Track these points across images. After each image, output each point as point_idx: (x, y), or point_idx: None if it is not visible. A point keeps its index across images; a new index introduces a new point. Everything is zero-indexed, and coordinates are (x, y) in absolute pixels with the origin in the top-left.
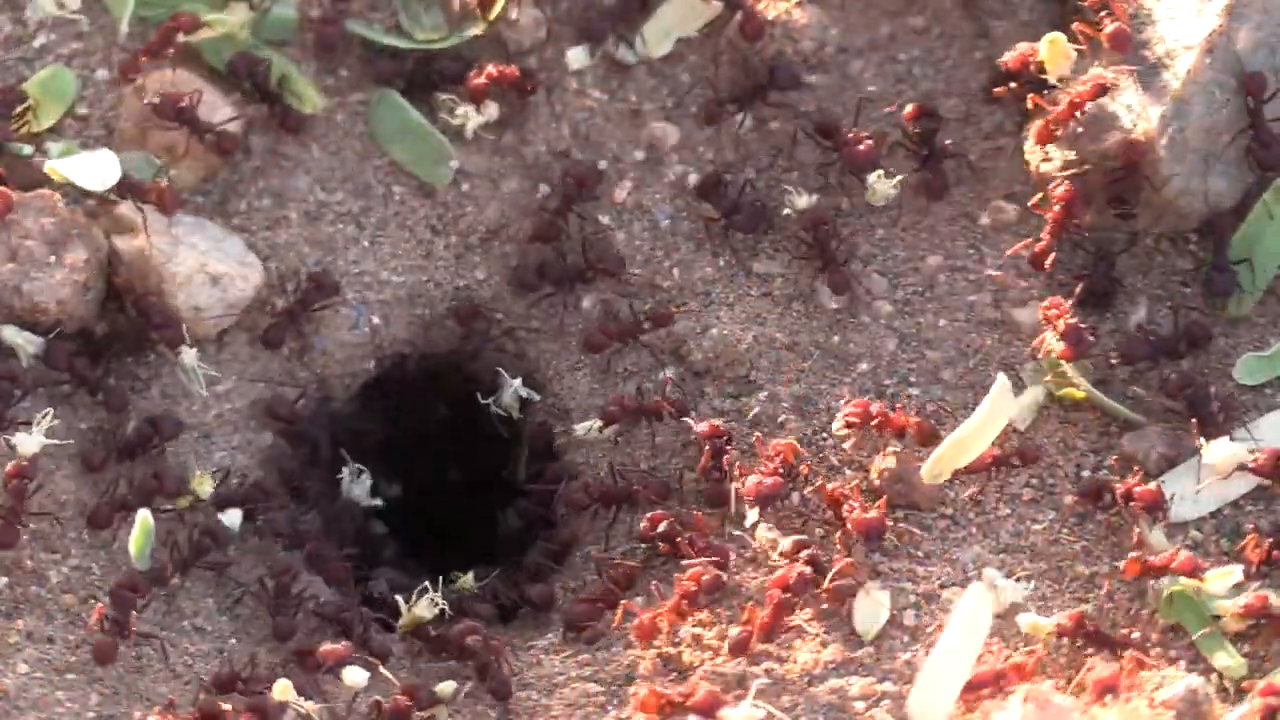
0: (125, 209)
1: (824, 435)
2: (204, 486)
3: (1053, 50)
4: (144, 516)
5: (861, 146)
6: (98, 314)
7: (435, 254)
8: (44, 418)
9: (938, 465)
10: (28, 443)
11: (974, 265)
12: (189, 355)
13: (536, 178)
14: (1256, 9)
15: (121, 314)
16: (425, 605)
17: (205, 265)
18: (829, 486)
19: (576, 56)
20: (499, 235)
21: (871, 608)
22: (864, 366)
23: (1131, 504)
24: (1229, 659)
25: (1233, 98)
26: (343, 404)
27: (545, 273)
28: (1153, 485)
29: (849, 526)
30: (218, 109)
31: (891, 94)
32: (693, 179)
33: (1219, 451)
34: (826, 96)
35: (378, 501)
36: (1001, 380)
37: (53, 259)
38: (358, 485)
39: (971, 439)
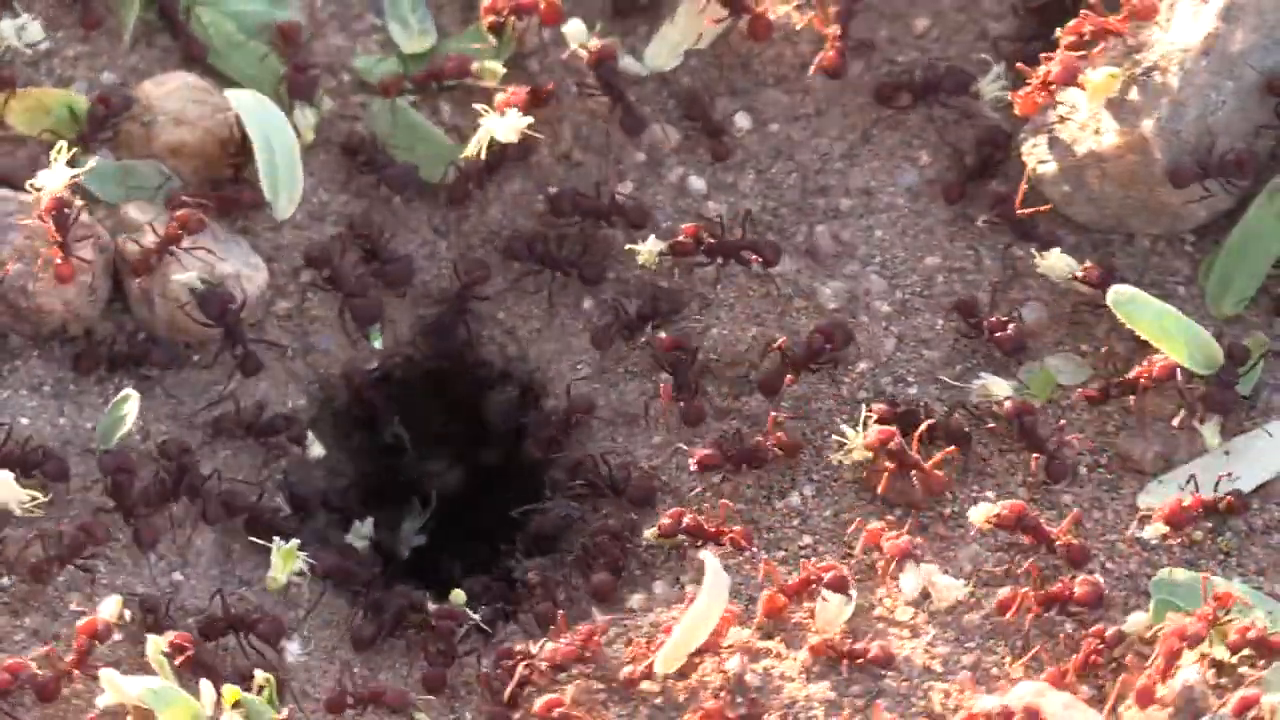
0: (131, 210)
1: (826, 434)
2: None
3: (1108, 83)
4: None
5: None
6: (103, 315)
7: (438, 254)
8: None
9: (669, 663)
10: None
11: (972, 265)
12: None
13: (538, 179)
14: (1252, 11)
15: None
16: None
17: (209, 267)
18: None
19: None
20: (500, 235)
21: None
22: (863, 366)
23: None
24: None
25: (1230, 99)
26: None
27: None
28: (1069, 453)
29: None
30: (218, 110)
31: None
32: (693, 180)
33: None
34: (826, 99)
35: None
36: (710, 562)
37: (59, 260)
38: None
39: (697, 627)
